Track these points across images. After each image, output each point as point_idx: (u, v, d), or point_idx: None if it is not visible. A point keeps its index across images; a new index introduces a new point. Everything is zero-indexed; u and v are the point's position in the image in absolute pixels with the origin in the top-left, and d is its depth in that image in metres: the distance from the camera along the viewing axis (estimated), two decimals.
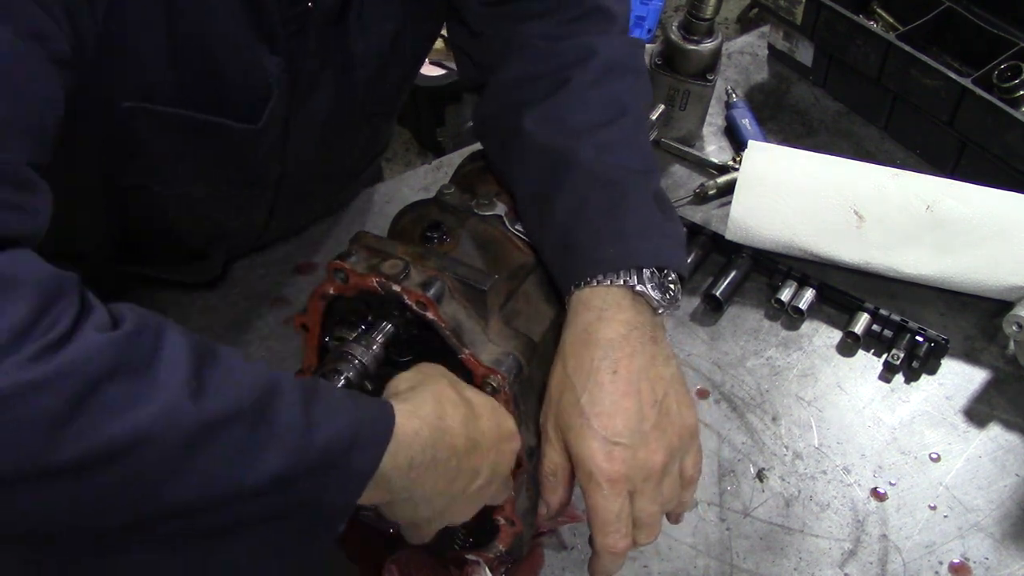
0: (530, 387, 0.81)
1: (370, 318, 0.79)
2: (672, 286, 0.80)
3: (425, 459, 0.65)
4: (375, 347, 0.76)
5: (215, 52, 0.80)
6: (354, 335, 0.77)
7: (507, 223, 0.87)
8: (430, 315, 0.76)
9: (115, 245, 1.07)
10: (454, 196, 0.89)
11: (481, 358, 0.76)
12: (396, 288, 0.76)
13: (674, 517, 0.84)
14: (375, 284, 0.77)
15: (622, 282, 0.78)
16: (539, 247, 0.86)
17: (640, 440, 0.75)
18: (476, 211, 0.87)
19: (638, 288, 0.78)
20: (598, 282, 0.79)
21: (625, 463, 0.74)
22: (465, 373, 0.77)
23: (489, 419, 0.71)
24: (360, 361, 0.74)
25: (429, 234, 0.85)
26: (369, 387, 0.77)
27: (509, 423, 0.74)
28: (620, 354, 0.76)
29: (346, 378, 0.74)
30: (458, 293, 0.77)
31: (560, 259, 0.83)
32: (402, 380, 0.71)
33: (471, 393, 0.72)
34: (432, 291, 0.75)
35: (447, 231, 0.85)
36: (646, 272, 0.78)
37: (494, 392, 0.76)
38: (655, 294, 0.78)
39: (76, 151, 0.72)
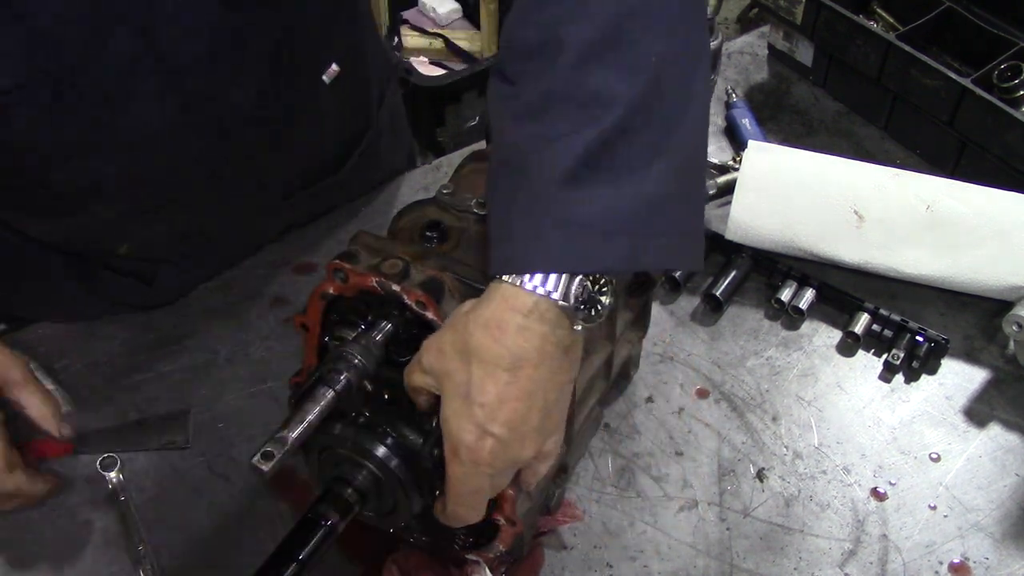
0: None
1: (370, 318, 0.79)
2: (603, 296, 0.73)
3: None
4: (375, 347, 0.76)
5: None
6: (354, 335, 0.77)
7: None
8: (430, 314, 0.76)
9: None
10: (454, 196, 0.89)
11: None
12: (396, 288, 0.76)
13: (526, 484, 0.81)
14: (375, 284, 0.77)
15: (544, 292, 0.70)
16: None
17: (516, 438, 0.72)
18: (476, 211, 0.87)
19: (561, 304, 0.71)
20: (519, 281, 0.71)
21: (493, 454, 0.72)
22: None
23: None
24: (360, 361, 0.74)
25: (429, 234, 0.85)
26: (369, 387, 0.77)
27: None
28: (526, 362, 0.71)
29: (346, 378, 0.74)
30: (458, 293, 0.77)
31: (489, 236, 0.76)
32: None
33: None
34: (432, 291, 0.75)
35: (446, 231, 0.85)
36: (563, 278, 0.70)
37: None
38: (574, 308, 0.71)
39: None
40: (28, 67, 0.79)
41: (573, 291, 0.71)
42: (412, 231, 0.87)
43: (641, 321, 1.02)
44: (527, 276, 0.70)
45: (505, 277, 0.71)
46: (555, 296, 0.70)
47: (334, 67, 1.04)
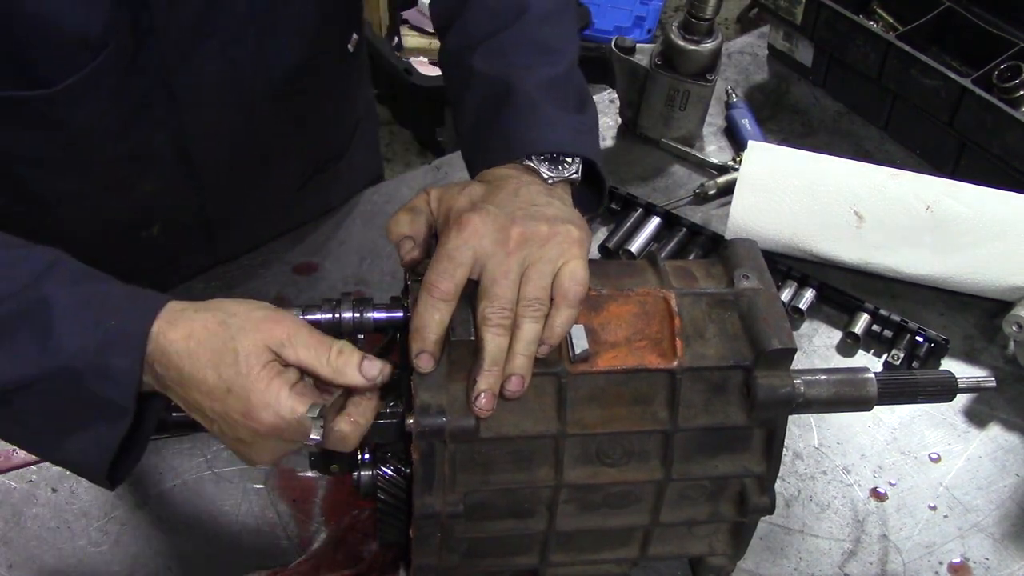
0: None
1: None
2: (567, 162, 0.87)
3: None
4: None
5: None
6: None
7: None
8: None
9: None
10: None
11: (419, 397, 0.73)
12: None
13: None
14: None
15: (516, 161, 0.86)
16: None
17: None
18: None
19: (525, 163, 0.85)
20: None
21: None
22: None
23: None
24: None
25: None
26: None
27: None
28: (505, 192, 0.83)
29: None
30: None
31: (468, 154, 0.95)
32: None
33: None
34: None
35: None
36: (536, 158, 0.86)
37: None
38: (544, 169, 0.85)
39: None
40: None
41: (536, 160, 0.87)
42: None
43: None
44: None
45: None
46: (526, 161, 0.87)
47: (355, 35, 1.12)
